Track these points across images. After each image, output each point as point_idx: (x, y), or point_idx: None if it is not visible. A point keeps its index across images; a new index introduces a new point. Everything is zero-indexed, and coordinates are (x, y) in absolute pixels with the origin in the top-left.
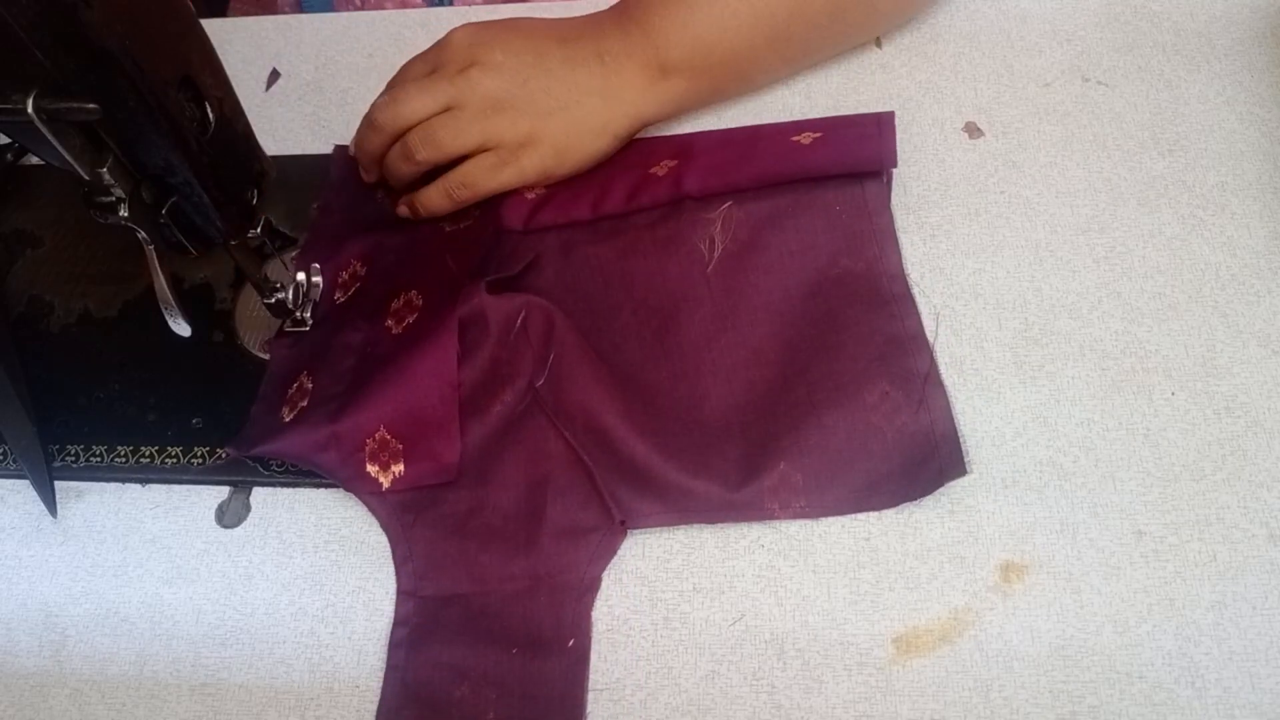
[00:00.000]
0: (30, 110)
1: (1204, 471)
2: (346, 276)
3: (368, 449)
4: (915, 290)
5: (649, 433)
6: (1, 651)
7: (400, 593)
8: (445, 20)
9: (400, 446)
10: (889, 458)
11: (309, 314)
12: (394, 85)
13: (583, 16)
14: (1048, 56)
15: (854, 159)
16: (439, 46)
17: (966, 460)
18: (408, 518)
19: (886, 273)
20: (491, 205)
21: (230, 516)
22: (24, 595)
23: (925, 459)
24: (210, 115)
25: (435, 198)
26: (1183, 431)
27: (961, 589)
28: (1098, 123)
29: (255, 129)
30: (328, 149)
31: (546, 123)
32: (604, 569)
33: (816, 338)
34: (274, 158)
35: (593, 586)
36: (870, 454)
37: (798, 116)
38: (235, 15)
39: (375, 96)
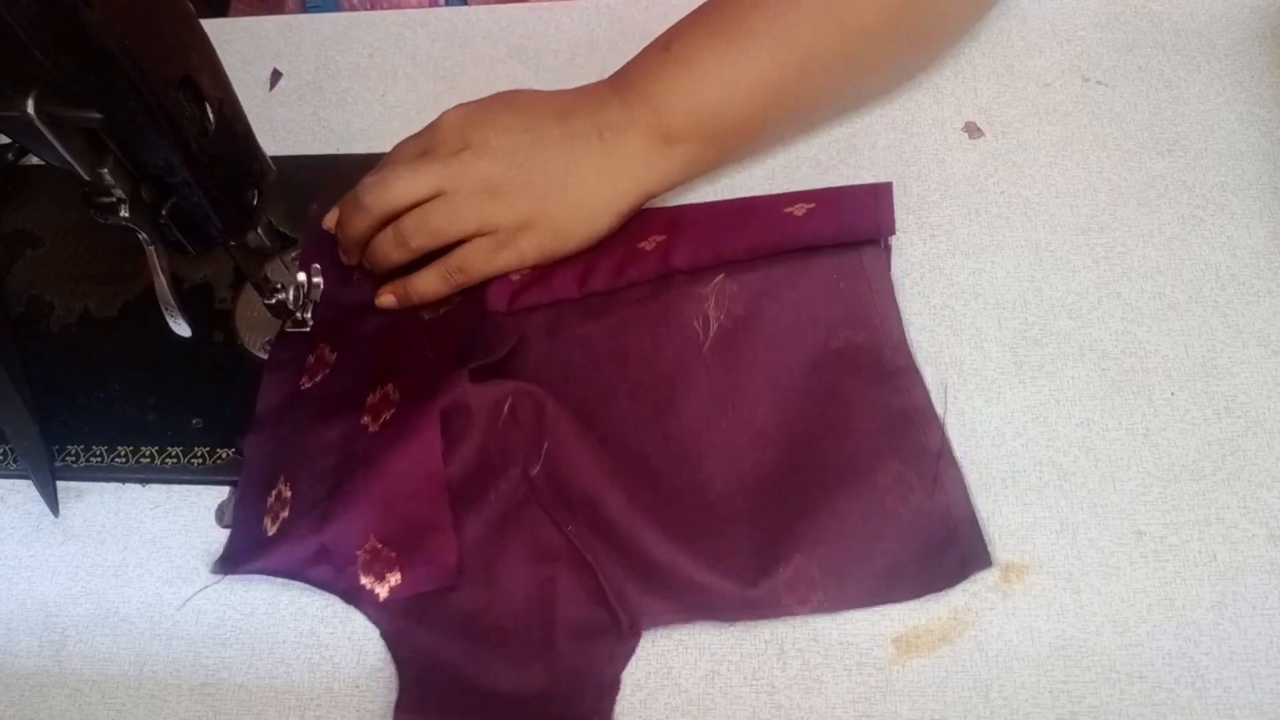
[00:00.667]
0: (31, 112)
1: (1204, 471)
2: (314, 361)
3: (360, 560)
4: (920, 358)
5: (655, 523)
6: (1, 651)
7: (398, 708)
8: (445, 20)
9: (394, 554)
10: (907, 543)
11: (309, 314)
12: (384, 166)
13: (580, 89)
14: (1048, 56)
15: (850, 230)
16: (431, 129)
17: (991, 550)
18: (410, 624)
19: (890, 343)
20: (473, 288)
21: (230, 516)
22: (24, 595)
23: (945, 544)
24: (210, 115)
25: (430, 282)
26: (1183, 431)
27: (961, 589)
28: (1098, 123)
29: (255, 129)
30: (328, 149)
31: (545, 205)
32: (623, 669)
33: (821, 416)
34: (274, 158)
35: (613, 686)
36: (887, 540)
37: None
38: (236, 15)
39: (374, 98)
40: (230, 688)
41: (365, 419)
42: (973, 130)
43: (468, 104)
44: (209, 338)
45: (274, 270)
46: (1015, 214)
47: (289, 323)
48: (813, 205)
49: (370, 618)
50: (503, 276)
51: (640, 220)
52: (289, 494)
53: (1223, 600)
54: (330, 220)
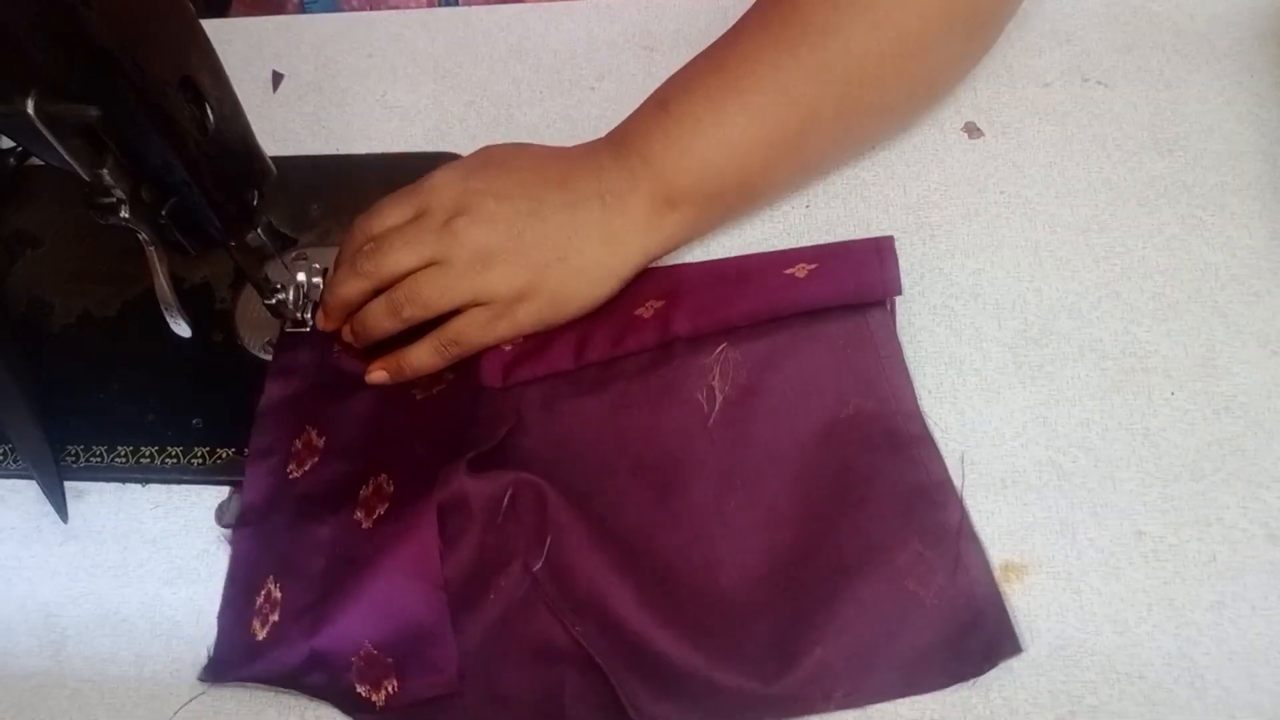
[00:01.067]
0: (31, 112)
1: (1204, 471)
2: (300, 446)
3: (354, 667)
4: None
5: (668, 620)
6: (1, 651)
7: None
8: (445, 20)
9: (390, 660)
10: (932, 629)
11: (309, 315)
12: (373, 215)
13: (578, 150)
14: (1048, 56)
15: (854, 290)
16: (424, 189)
17: (1020, 637)
18: None
19: (902, 412)
20: (466, 364)
21: (230, 516)
22: (24, 595)
23: (971, 629)
24: (210, 115)
25: (424, 356)
26: (1182, 431)
27: None
28: (1097, 123)
29: (255, 129)
30: (328, 149)
31: (544, 275)
32: None
33: (835, 492)
34: (274, 158)
35: None
36: (911, 627)
37: None
38: (236, 15)
39: (374, 98)
40: (230, 688)
41: (358, 514)
42: (972, 130)
43: (461, 164)
44: (209, 338)
45: (274, 270)
46: (1015, 214)
47: (289, 324)
48: (814, 266)
49: None
50: (495, 349)
51: (636, 285)
52: (279, 595)
53: (1222, 600)
54: (326, 288)
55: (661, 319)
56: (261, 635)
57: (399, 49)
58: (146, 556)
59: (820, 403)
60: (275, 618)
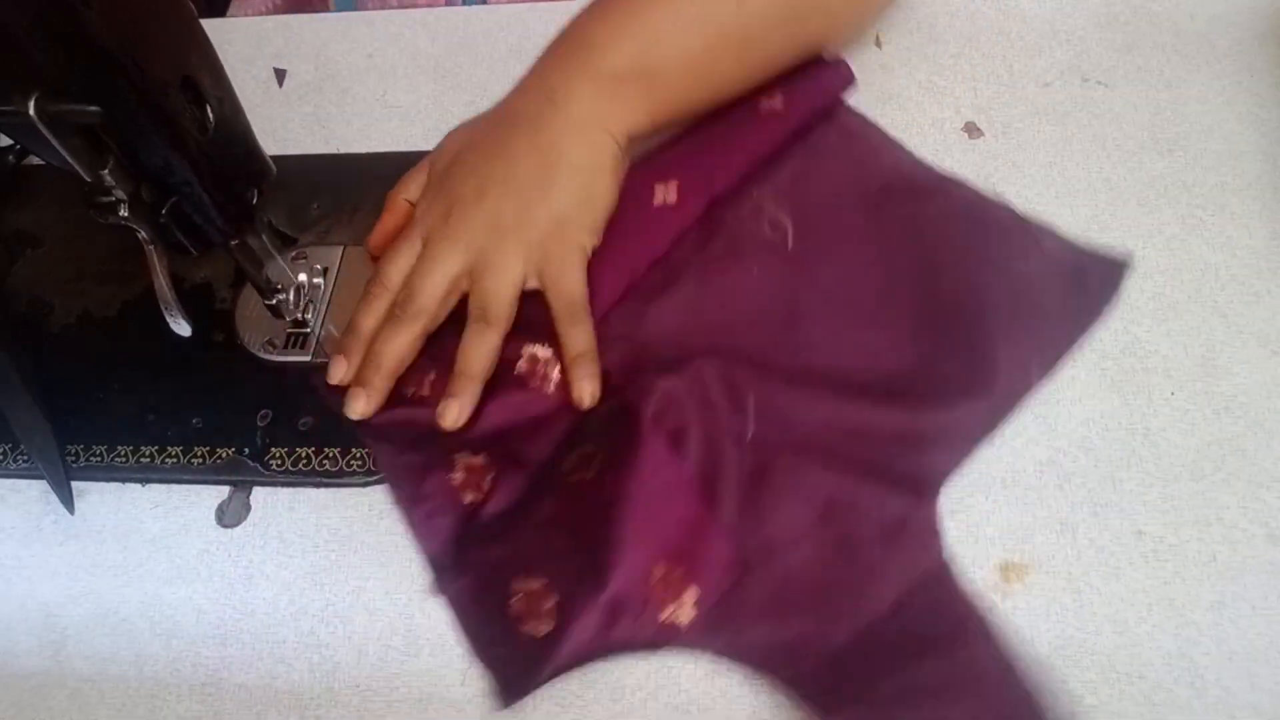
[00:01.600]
0: (32, 112)
1: (1204, 471)
2: (462, 474)
3: (653, 595)
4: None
5: (891, 401)
6: (1, 651)
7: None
8: (445, 20)
9: (682, 570)
10: (1060, 280)
11: (309, 314)
12: (391, 268)
13: (523, 78)
14: (1048, 56)
15: (826, 97)
16: (417, 227)
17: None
18: (734, 630)
19: (916, 164)
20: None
21: (230, 516)
22: (24, 595)
23: (1084, 267)
24: (210, 115)
25: (580, 338)
26: (1182, 431)
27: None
28: (1097, 123)
29: (255, 129)
30: (328, 149)
31: (549, 200)
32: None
33: (929, 238)
34: (274, 158)
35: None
36: (1048, 290)
37: None
38: (235, 15)
39: (374, 98)
40: (230, 688)
41: (575, 477)
42: (972, 130)
43: (430, 185)
44: (209, 338)
45: (274, 270)
46: None
47: (289, 323)
48: (784, 94)
49: (697, 646)
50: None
51: (634, 180)
52: (537, 584)
53: (1222, 600)
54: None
55: (683, 196)
56: (545, 630)
57: (399, 49)
58: (146, 556)
59: (863, 189)
60: (550, 603)
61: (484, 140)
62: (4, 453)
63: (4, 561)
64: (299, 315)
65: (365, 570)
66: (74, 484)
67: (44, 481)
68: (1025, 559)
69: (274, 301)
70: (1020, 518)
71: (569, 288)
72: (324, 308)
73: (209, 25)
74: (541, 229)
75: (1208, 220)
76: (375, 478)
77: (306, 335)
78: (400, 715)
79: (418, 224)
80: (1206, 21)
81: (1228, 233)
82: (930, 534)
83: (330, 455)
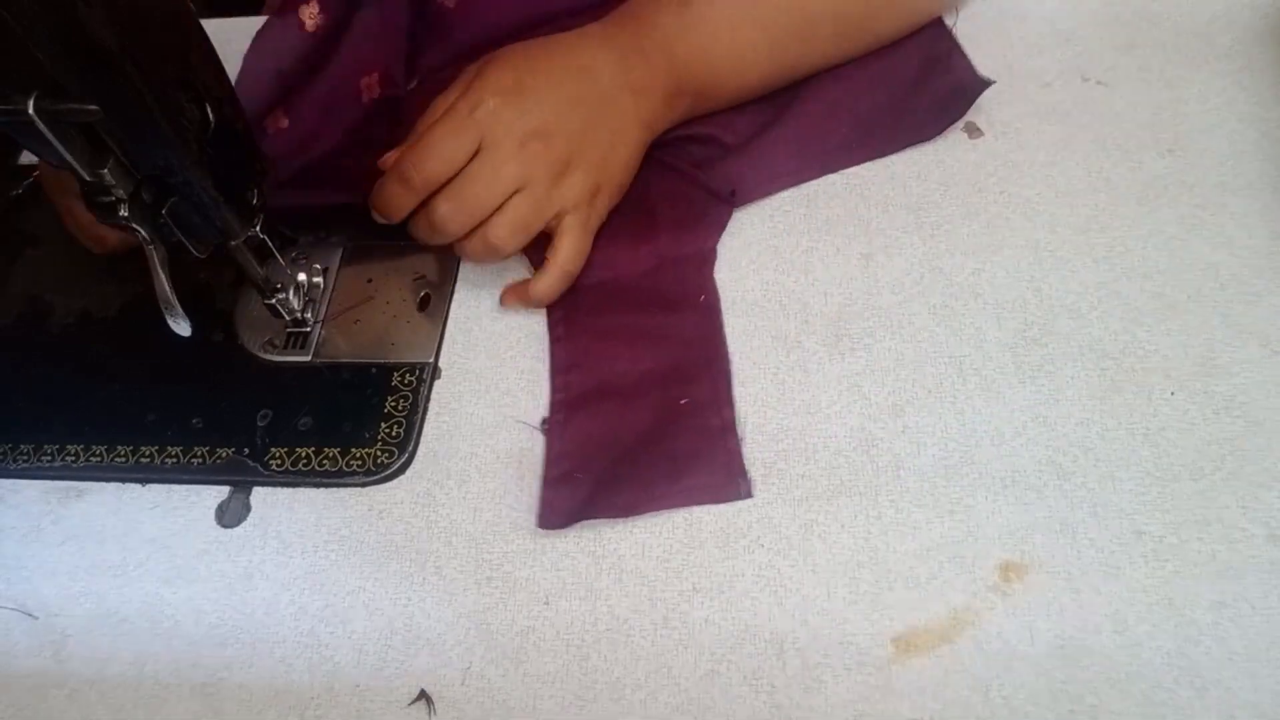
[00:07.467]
0: (31, 111)
1: (1204, 471)
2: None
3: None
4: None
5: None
6: (1, 652)
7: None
8: None
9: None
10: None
11: (309, 314)
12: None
13: (592, 34)
14: (1048, 56)
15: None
16: (475, 124)
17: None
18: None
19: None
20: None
21: (230, 516)
22: (24, 595)
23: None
24: (210, 115)
25: (550, 285)
26: (1182, 431)
27: (961, 589)
28: (1098, 123)
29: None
30: None
31: (604, 168)
32: (718, 241)
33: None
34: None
35: (710, 258)
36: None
37: None
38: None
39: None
40: (230, 688)
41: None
42: (973, 130)
43: (487, 81)
44: (209, 338)
45: (274, 270)
46: (1015, 214)
47: (289, 323)
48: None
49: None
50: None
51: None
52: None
53: (1222, 600)
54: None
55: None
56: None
57: None
58: (146, 556)
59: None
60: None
61: (553, 69)
62: (4, 453)
63: (4, 561)
64: (299, 315)
65: (365, 570)
66: (74, 484)
67: (44, 481)
68: (1025, 559)
69: (274, 301)
70: (1020, 518)
71: (580, 251)
72: (324, 308)
73: (209, 25)
74: (587, 190)
75: (1208, 220)
76: (375, 477)
77: (306, 335)
78: (400, 715)
79: (482, 127)
80: (1206, 21)
81: (1228, 233)
82: (718, 227)
83: (330, 455)
